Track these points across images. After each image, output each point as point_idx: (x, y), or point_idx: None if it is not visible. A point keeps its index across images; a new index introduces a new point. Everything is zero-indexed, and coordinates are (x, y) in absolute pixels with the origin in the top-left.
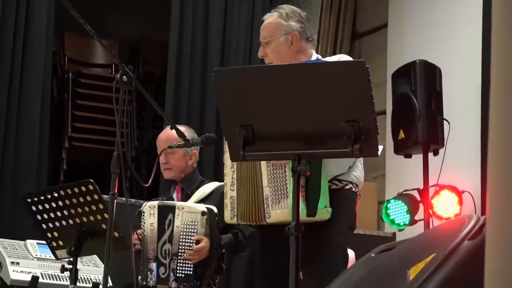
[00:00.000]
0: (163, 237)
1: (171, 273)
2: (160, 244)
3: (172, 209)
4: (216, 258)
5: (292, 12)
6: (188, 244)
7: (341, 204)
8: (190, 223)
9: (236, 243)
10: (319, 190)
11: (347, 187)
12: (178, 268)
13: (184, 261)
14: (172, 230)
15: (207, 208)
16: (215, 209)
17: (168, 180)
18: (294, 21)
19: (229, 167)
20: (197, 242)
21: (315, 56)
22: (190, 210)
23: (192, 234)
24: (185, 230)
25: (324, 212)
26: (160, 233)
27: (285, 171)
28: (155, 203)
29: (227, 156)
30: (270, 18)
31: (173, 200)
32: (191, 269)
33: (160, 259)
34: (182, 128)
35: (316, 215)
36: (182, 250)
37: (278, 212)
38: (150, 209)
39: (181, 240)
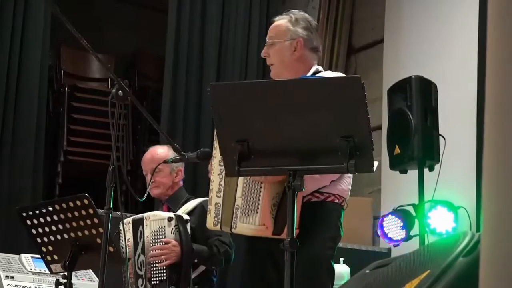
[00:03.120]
0: (138, 249)
1: (147, 283)
2: (136, 257)
3: (141, 221)
4: (190, 263)
5: (301, 19)
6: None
7: (322, 217)
8: (158, 230)
9: (210, 255)
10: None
11: (329, 199)
12: (152, 276)
13: (157, 268)
14: (143, 241)
15: (174, 214)
16: (185, 216)
17: (156, 199)
18: (301, 27)
19: (217, 173)
20: (165, 244)
21: (314, 67)
22: (156, 218)
23: (160, 240)
24: (154, 238)
25: None
26: (135, 246)
27: (260, 186)
28: (129, 219)
29: (215, 162)
30: (280, 20)
31: None
32: (165, 275)
33: (138, 272)
34: (165, 148)
35: (282, 233)
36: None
37: (244, 225)
38: (126, 226)
39: (151, 248)
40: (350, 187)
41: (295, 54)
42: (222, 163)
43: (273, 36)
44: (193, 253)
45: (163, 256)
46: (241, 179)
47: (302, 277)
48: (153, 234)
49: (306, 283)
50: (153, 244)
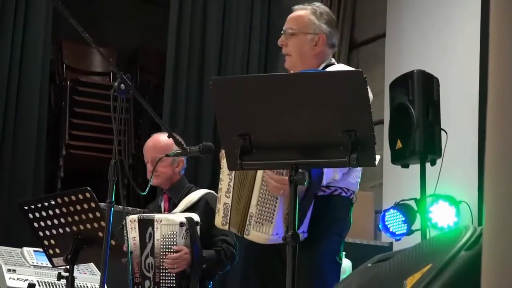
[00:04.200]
0: (145, 250)
1: (156, 287)
2: (143, 257)
3: (151, 222)
4: (200, 269)
5: (325, 13)
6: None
7: (328, 211)
8: (169, 236)
9: (218, 261)
10: (303, 220)
11: (336, 192)
12: (161, 281)
13: (167, 274)
14: (153, 243)
15: (186, 218)
16: (195, 217)
17: (157, 188)
18: (325, 23)
19: (227, 173)
20: (177, 252)
21: (327, 61)
22: (168, 223)
23: (172, 246)
24: (164, 242)
25: (300, 237)
26: (142, 246)
27: (276, 197)
28: (135, 216)
29: (225, 161)
30: (303, 11)
31: (160, 209)
32: (174, 281)
33: (145, 273)
34: (166, 137)
35: None
36: (163, 262)
37: (258, 234)
38: (131, 223)
39: (162, 253)
40: (359, 180)
41: (315, 49)
42: None
43: (295, 27)
44: (203, 260)
45: (175, 265)
46: (257, 187)
47: (307, 271)
48: (164, 239)
49: (310, 277)
50: (163, 248)
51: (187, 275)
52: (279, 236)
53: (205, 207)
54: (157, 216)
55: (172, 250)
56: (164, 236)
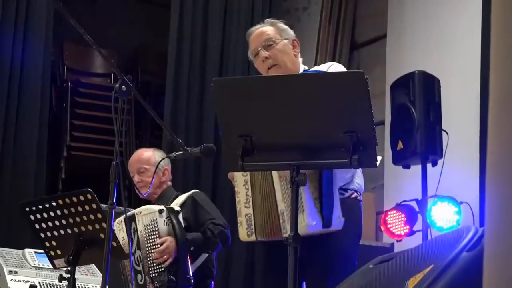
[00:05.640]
0: (133, 246)
1: (147, 277)
2: (132, 253)
3: (133, 217)
4: (187, 252)
5: (284, 24)
6: (153, 244)
7: (348, 214)
8: (150, 224)
9: (205, 240)
10: (332, 201)
11: (353, 195)
12: (150, 269)
13: (155, 262)
14: (138, 236)
15: (165, 206)
16: (176, 208)
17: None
18: (289, 30)
19: (242, 184)
20: (161, 244)
21: (302, 66)
22: (147, 212)
23: (154, 233)
24: (147, 232)
25: (338, 222)
26: (130, 243)
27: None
28: (121, 218)
29: (238, 173)
30: (267, 25)
31: None
32: (163, 267)
33: (135, 268)
34: (150, 150)
35: (331, 225)
36: (150, 251)
37: None
38: (118, 225)
39: (146, 242)
40: (363, 181)
41: (295, 52)
42: (245, 174)
43: (271, 37)
44: (188, 242)
45: (164, 257)
46: (277, 184)
47: (330, 273)
48: (146, 228)
49: (333, 277)
50: (148, 238)
51: (175, 260)
52: (317, 224)
53: (192, 202)
54: (137, 209)
55: (155, 237)
56: (146, 225)
